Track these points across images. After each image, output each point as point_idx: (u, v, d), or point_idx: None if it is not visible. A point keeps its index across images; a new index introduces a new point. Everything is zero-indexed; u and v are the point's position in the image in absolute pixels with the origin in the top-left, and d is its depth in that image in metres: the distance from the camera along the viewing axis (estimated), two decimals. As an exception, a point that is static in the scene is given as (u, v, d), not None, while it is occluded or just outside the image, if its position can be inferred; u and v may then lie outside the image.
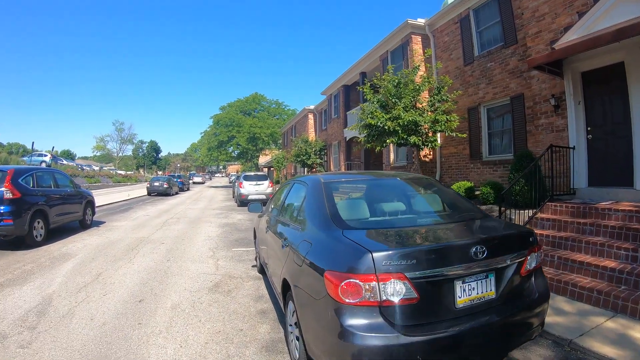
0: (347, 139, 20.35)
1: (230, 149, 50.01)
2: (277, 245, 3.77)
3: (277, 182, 36.03)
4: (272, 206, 5.12)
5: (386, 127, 9.78)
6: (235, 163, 67.57)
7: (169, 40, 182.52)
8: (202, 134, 51.84)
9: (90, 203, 11.37)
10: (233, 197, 24.21)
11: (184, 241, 8.84)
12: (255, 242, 6.35)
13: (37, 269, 6.19)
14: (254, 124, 45.85)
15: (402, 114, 9.71)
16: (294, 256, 2.94)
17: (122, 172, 59.64)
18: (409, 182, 3.91)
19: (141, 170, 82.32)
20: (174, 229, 10.89)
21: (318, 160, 24.17)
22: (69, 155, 77.99)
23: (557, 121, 9.28)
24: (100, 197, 22.90)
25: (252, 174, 20.41)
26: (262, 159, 54.77)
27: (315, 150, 24.06)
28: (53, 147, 53.08)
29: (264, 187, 18.96)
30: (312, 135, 27.75)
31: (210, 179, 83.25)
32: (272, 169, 47.35)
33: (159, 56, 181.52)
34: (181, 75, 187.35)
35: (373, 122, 9.89)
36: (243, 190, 18.62)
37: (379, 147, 11.13)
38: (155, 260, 6.86)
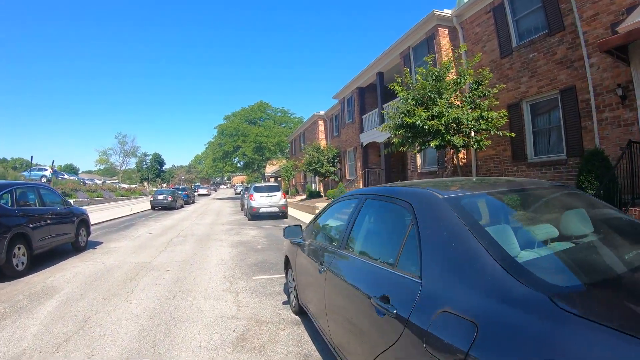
0: (364, 145, 19.03)
1: (236, 160, 48.79)
2: (352, 305, 2.44)
3: (286, 192, 34.74)
4: (322, 232, 3.83)
5: (426, 127, 8.46)
6: (240, 174, 66.48)
7: (171, 49, 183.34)
8: (207, 145, 50.72)
9: (84, 222, 10.08)
10: (242, 210, 22.97)
11: (192, 267, 7.48)
12: (287, 273, 5.01)
13: (11, 312, 4.86)
14: (260, 133, 44.64)
15: (445, 110, 8.40)
16: (419, 343, 1.57)
17: (126, 186, 58.91)
18: (568, 194, 2.49)
19: (145, 183, 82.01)
20: (180, 250, 9.56)
21: (332, 169, 22.85)
22: (72, 170, 77.63)
23: (624, 114, 7.98)
24: (101, 213, 21.79)
25: (264, 184, 19.09)
26: (269, 169, 53.56)
27: (328, 158, 22.76)
28: (53, 160, 52.27)
29: (276, 199, 17.64)
30: (322, 142, 26.48)
31: (216, 191, 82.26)
32: (279, 178, 46.15)
33: (161, 66, 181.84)
34: (184, 85, 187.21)
35: (411, 122, 8.55)
36: (254, 203, 17.30)
37: (416, 151, 9.80)
38: (159, 296, 5.50)
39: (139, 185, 74.87)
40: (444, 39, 12.29)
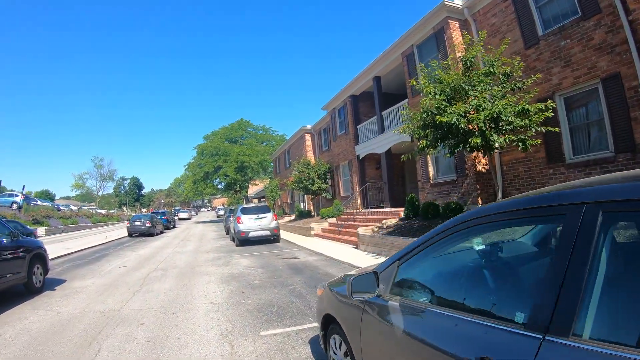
0: (361, 157, 17.46)
1: (217, 181, 46.59)
2: None
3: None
4: (443, 286, 2.16)
5: (461, 125, 6.93)
6: (221, 196, 63.98)
7: (146, 72, 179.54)
8: (186, 167, 48.29)
9: (40, 257, 8.07)
10: (227, 235, 21.05)
11: (175, 317, 5.59)
12: (327, 341, 3.21)
13: None
14: (241, 152, 42.74)
15: (483, 104, 6.91)
16: None
17: (103, 211, 56.18)
18: None
19: (124, 208, 79.53)
20: (159, 290, 7.63)
21: (324, 186, 21.17)
22: (47, 196, 74.52)
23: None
24: (73, 242, 19.69)
25: (252, 205, 17.26)
26: (252, 190, 51.45)
27: (319, 174, 21.08)
28: (23, 186, 49.30)
29: (267, 221, 15.81)
30: (311, 157, 24.82)
31: (197, 214, 79.55)
32: (262, 199, 44.15)
33: (139, 88, 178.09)
34: (161, 107, 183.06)
35: (445, 120, 6.98)
36: (242, 227, 15.43)
37: (448, 155, 8.24)
38: (127, 375, 3.65)
39: (118, 210, 72.48)
40: (455, 32, 10.94)
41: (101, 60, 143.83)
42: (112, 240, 21.38)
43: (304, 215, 23.89)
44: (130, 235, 24.37)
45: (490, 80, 7.79)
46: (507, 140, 7.35)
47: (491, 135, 7.05)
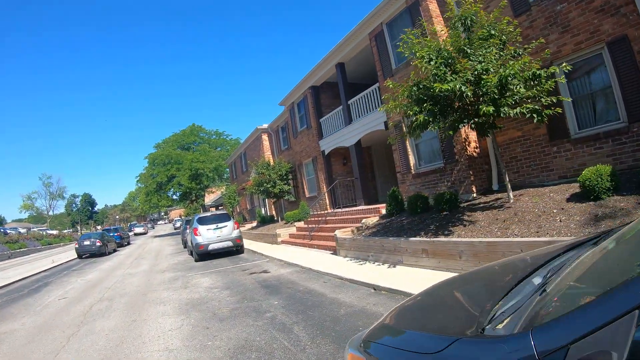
0: (327, 153, 15.99)
1: (172, 191, 43.40)
2: None
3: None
4: None
5: (467, 94, 5.63)
6: (178, 207, 60.48)
7: (90, 84, 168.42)
8: (137, 178, 44.46)
9: None
10: (185, 248, 18.96)
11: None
12: None
13: None
14: (195, 159, 40.04)
15: (492, 68, 5.64)
16: None
17: (54, 232, 51.71)
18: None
19: (79, 227, 76.01)
20: (101, 330, 5.75)
21: (286, 187, 19.50)
22: (-5, 220, 69.23)
23: None
24: (15, 270, 17.16)
25: (209, 214, 15.25)
26: (208, 198, 48.63)
27: (280, 175, 19.39)
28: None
29: (228, 231, 13.97)
30: (269, 158, 23.07)
31: (153, 228, 75.46)
32: (221, 207, 41.65)
33: (84, 101, 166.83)
34: (110, 119, 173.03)
35: (446, 88, 5.63)
36: (200, 239, 13.51)
37: (451, 132, 6.88)
38: None
39: (71, 230, 68.94)
40: (432, 4, 9.72)
41: (40, 72, 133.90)
42: (59, 264, 18.78)
43: (266, 221, 22.11)
44: (79, 256, 21.99)
45: (491, 44, 6.56)
46: (524, 110, 6.12)
47: (505, 102, 5.81)
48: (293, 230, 15.66)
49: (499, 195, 8.47)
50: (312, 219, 14.60)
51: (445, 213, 8.47)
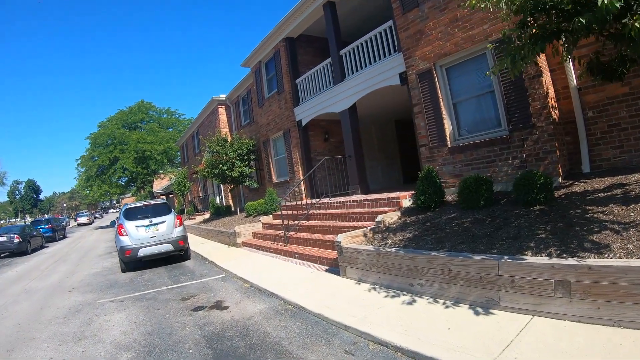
0: (304, 123, 12.02)
1: (115, 177, 37.35)
2: None
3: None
4: None
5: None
6: (131, 195, 54.14)
7: (28, 58, 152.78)
8: (78, 161, 37.72)
9: None
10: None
11: None
12: None
13: None
14: (141, 139, 34.56)
15: None
16: None
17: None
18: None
19: (27, 216, 71.28)
20: None
21: (247, 170, 15.32)
22: None
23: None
24: None
25: (141, 204, 10.68)
26: (157, 185, 43.01)
27: (241, 155, 15.17)
28: None
29: (166, 229, 9.76)
30: (227, 135, 18.63)
31: (102, 217, 68.61)
32: (171, 195, 36.55)
33: (22, 79, 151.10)
34: (52, 98, 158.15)
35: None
36: (127, 241, 9.31)
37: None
38: None
39: (18, 219, 64.24)
40: None
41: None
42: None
43: (222, 212, 17.74)
44: None
45: None
46: None
47: None
48: (258, 227, 11.62)
49: (600, 180, 5.14)
50: (286, 212, 10.50)
51: (539, 208, 4.85)
